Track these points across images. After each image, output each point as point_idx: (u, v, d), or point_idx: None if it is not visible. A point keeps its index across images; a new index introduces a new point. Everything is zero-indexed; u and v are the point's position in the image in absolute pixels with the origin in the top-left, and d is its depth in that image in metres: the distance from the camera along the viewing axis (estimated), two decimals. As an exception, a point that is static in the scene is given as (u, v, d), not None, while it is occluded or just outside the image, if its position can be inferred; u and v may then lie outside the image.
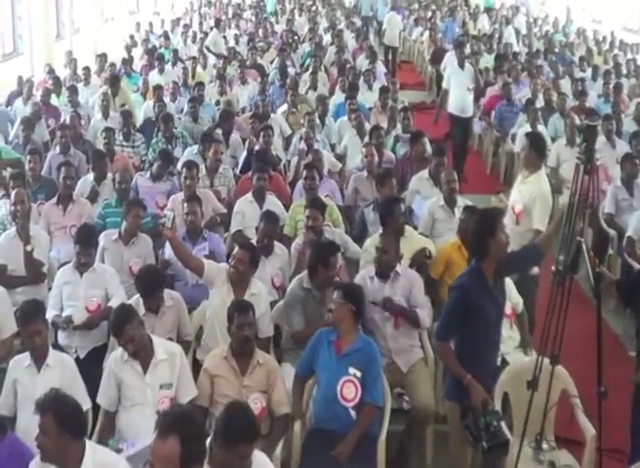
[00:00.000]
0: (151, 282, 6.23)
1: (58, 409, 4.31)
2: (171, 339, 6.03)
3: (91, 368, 5.90)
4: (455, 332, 5.21)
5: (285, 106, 12.63)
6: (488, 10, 26.34)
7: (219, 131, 10.65)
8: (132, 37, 19.80)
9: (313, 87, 13.76)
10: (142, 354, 5.39)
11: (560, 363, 5.52)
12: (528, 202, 7.14)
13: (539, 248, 5.58)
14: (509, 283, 6.37)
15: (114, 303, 6.47)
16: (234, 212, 8.25)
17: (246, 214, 8.13)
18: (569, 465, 5.13)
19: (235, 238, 7.91)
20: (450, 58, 12.44)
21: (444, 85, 12.45)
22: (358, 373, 5.10)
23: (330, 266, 6.34)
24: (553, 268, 5.12)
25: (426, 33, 20.86)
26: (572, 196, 5.03)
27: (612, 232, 8.89)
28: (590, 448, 5.36)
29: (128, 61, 15.84)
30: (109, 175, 8.73)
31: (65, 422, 4.30)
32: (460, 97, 12.06)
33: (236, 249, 6.40)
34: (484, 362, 5.26)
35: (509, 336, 6.44)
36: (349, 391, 5.35)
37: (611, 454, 5.83)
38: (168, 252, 7.08)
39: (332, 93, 13.96)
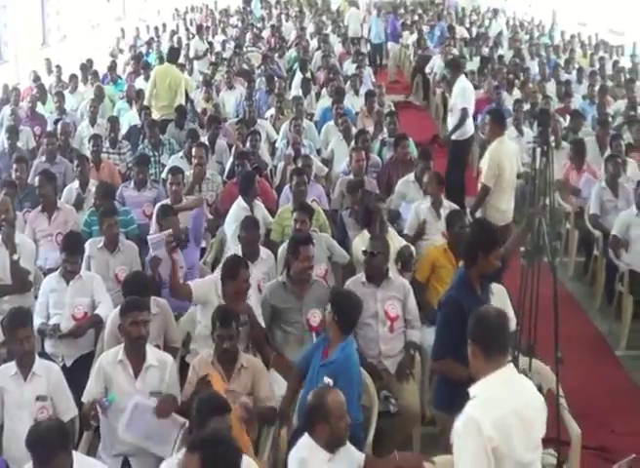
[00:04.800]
0: (138, 288, 6.20)
1: None
2: (158, 346, 6.02)
3: (78, 375, 5.86)
4: (451, 349, 5.08)
5: (272, 111, 12.66)
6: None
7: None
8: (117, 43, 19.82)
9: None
10: (134, 357, 5.40)
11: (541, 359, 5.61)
12: (483, 162, 8.33)
13: (503, 258, 5.60)
14: (505, 297, 6.43)
15: (100, 311, 6.50)
16: (234, 225, 7.82)
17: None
18: (553, 464, 5.12)
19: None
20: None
21: (464, 104, 10.75)
22: (331, 383, 5.10)
23: (300, 257, 6.39)
24: (522, 249, 5.25)
25: (412, 37, 20.91)
26: (532, 178, 5.34)
27: (597, 233, 8.93)
28: (576, 446, 5.37)
29: (113, 68, 15.84)
30: (93, 182, 8.72)
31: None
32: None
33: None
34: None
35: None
36: None
37: (596, 452, 5.89)
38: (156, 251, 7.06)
39: (317, 97, 14.01)
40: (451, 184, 9.49)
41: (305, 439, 4.62)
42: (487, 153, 8.50)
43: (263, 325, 6.32)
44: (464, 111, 10.68)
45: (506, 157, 8.37)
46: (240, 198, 8.16)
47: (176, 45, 19.57)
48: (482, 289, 5.38)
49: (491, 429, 3.72)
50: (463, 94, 10.77)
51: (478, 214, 8.28)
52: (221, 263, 6.60)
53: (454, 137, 10.73)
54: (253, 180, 8.29)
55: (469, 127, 10.84)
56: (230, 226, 7.96)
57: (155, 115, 11.92)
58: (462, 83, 10.98)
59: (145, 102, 12.16)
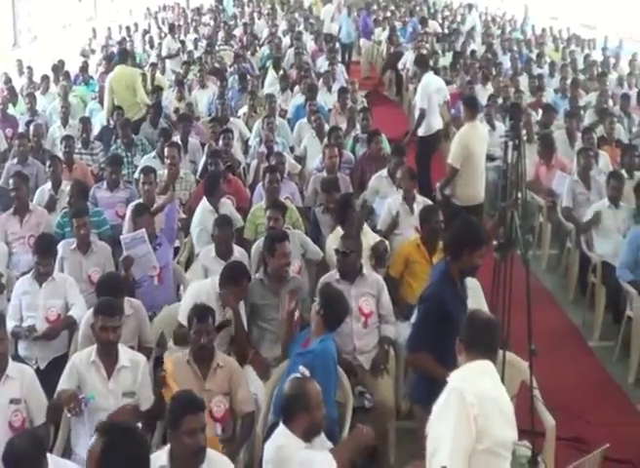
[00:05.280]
0: (112, 290, 6.15)
1: None
2: (132, 348, 6.00)
3: (51, 378, 5.76)
4: (428, 343, 5.14)
5: (245, 108, 12.65)
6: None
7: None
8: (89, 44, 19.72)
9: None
10: (107, 358, 5.39)
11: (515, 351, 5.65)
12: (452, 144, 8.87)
13: None
14: (479, 290, 6.47)
15: (74, 313, 6.47)
16: (198, 229, 7.91)
17: (209, 227, 7.64)
18: (527, 456, 5.15)
19: None
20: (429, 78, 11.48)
21: (422, 104, 10.99)
22: (307, 373, 5.12)
23: (277, 254, 6.41)
24: (495, 243, 5.27)
25: (384, 34, 20.93)
26: (504, 171, 5.43)
27: (569, 225, 9.00)
28: (550, 438, 5.41)
29: (85, 69, 15.76)
30: (66, 183, 8.68)
31: None
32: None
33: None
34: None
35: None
36: None
37: (570, 443, 5.93)
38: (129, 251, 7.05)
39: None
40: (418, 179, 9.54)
41: (282, 428, 4.63)
42: (456, 136, 9.02)
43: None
44: (421, 111, 10.89)
45: (476, 140, 8.81)
46: (205, 199, 8.11)
47: (147, 44, 19.65)
48: (461, 282, 5.39)
49: (473, 397, 3.84)
50: (422, 92, 10.96)
51: (447, 192, 8.85)
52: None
53: (420, 134, 10.82)
54: (218, 181, 8.24)
55: (435, 122, 10.94)
56: (195, 229, 7.96)
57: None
58: (425, 80, 11.14)
59: (106, 114, 12.06)
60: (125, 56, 12.90)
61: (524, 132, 10.44)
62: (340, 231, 7.18)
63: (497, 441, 3.91)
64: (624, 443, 5.92)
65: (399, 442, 5.99)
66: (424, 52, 17.05)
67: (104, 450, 3.66)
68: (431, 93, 10.97)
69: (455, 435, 3.87)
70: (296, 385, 4.70)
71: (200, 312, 5.53)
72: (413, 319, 6.19)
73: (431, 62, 14.94)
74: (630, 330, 7.46)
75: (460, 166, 8.69)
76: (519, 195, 5.38)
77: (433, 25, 22.44)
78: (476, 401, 3.84)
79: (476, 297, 6.36)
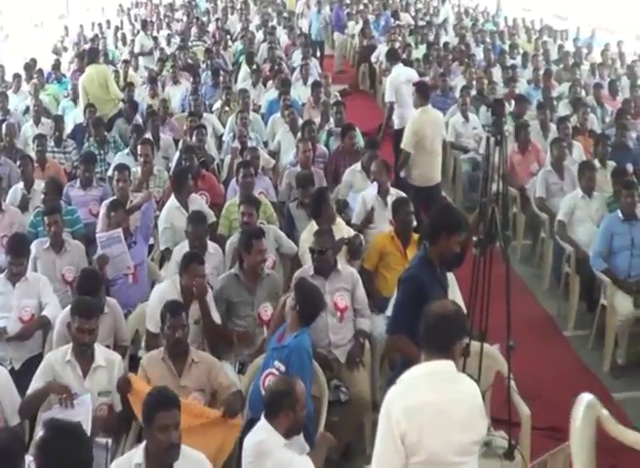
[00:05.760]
0: (91, 286, 6.11)
1: None
2: (108, 346, 5.99)
3: (26, 379, 5.69)
4: (407, 326, 5.06)
5: (219, 103, 12.61)
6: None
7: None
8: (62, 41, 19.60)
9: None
10: (83, 358, 5.38)
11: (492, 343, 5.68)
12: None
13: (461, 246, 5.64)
14: (455, 284, 6.49)
15: (48, 312, 6.44)
16: (163, 226, 7.87)
17: (176, 225, 7.77)
18: (502, 446, 5.18)
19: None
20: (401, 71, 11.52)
21: (389, 98, 11.17)
22: (282, 368, 5.11)
23: (253, 251, 6.40)
24: (475, 239, 5.27)
25: (358, 27, 20.91)
26: (485, 166, 5.38)
27: (543, 216, 9.04)
28: (526, 427, 5.44)
29: (57, 67, 15.66)
30: (39, 182, 8.62)
31: None
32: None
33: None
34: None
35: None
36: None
37: (546, 433, 5.96)
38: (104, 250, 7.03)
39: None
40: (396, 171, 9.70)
41: (264, 423, 4.62)
42: (409, 121, 9.51)
43: (219, 320, 6.30)
44: (389, 105, 11.07)
45: (428, 125, 9.26)
46: (173, 197, 8.08)
47: (120, 41, 19.55)
48: (441, 268, 5.40)
49: (399, 414, 3.70)
50: (390, 85, 11.08)
51: (402, 175, 9.41)
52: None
53: (395, 127, 10.86)
54: (186, 177, 8.18)
55: (408, 114, 10.87)
56: (160, 225, 7.93)
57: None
58: (394, 72, 11.26)
59: (81, 114, 11.96)
60: (94, 54, 12.84)
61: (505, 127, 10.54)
62: (314, 226, 7.15)
63: (433, 452, 3.75)
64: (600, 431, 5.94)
65: (375, 434, 5.97)
66: (397, 45, 17.09)
67: (40, 445, 3.71)
68: (400, 85, 10.97)
69: (379, 455, 3.83)
70: (284, 383, 4.70)
71: (173, 307, 5.55)
72: (388, 311, 6.23)
73: (404, 55, 15.01)
74: (604, 318, 7.51)
75: (414, 149, 9.13)
76: (499, 190, 5.39)
77: (406, 18, 22.41)
78: (403, 417, 3.69)
79: (451, 289, 6.38)
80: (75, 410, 5.07)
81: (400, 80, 11.02)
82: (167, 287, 6.32)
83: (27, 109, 12.59)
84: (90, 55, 12.76)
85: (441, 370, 3.85)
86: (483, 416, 3.97)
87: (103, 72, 12.17)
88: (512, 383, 5.61)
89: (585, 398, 4.09)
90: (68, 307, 5.80)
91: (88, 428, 4.92)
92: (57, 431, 3.81)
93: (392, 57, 11.80)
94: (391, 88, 10.99)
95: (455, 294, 6.49)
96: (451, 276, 6.41)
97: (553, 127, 11.05)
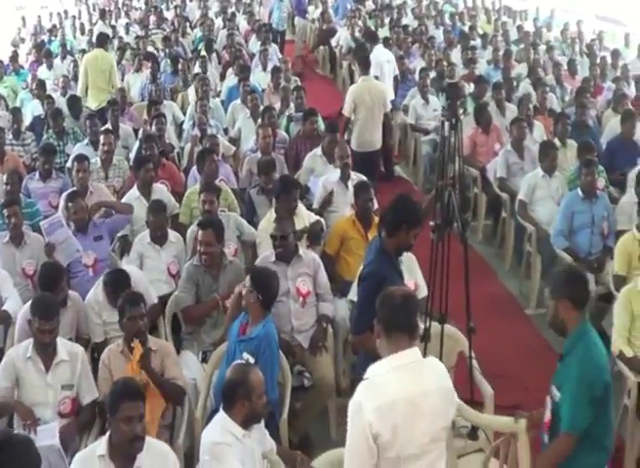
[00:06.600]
0: (53, 280, 6.07)
1: None
2: (70, 340, 5.95)
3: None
4: (371, 323, 5.05)
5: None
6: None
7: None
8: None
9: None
10: (44, 353, 5.34)
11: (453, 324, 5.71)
12: None
13: None
14: (414, 264, 6.50)
15: (8, 307, 6.37)
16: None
17: (134, 216, 7.79)
18: (466, 426, 5.21)
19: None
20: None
21: (375, 72, 11.24)
22: (251, 360, 5.10)
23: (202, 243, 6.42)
24: (432, 223, 5.28)
25: (318, 11, 20.83)
26: (441, 150, 5.42)
27: (504, 195, 9.09)
28: (489, 407, 5.47)
29: (15, 58, 15.48)
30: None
31: None
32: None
33: None
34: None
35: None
36: None
37: (510, 411, 5.99)
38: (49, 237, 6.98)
39: (223, 76, 13.92)
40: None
41: (221, 414, 4.61)
42: (350, 89, 10.35)
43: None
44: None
45: (366, 93, 9.88)
46: (135, 187, 8.08)
47: (78, 31, 19.36)
48: (396, 256, 5.39)
49: (372, 414, 3.61)
50: (374, 62, 11.26)
51: (345, 138, 9.87)
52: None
53: None
54: (144, 165, 8.17)
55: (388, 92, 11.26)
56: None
57: (91, 104, 11.72)
58: (375, 52, 11.71)
59: (79, 93, 11.90)
60: (104, 39, 12.63)
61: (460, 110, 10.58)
62: (272, 215, 7.07)
63: (405, 445, 3.70)
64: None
65: (340, 419, 6.00)
66: (357, 29, 17.09)
67: None
68: (383, 62, 11.58)
69: (351, 454, 3.75)
70: (238, 372, 4.68)
71: (131, 298, 5.53)
72: (351, 295, 6.23)
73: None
74: (566, 296, 7.56)
75: (354, 115, 9.86)
76: (456, 174, 5.40)
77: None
78: (376, 417, 3.60)
79: (411, 271, 6.41)
80: (38, 437, 4.97)
81: (382, 59, 11.58)
82: (93, 296, 6.29)
83: (-16, 102, 12.45)
84: (99, 39, 12.59)
85: (409, 361, 3.77)
86: (453, 401, 3.92)
87: (109, 59, 12.07)
88: (475, 363, 5.66)
89: None
90: (29, 302, 5.74)
91: (57, 445, 4.93)
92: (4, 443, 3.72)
93: (370, 38, 12.54)
94: (376, 64, 11.34)
95: (416, 276, 6.51)
96: (411, 257, 6.43)
97: (512, 107, 11.11)
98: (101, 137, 9.13)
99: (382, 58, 11.70)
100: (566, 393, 4.19)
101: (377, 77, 11.05)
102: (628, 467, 5.73)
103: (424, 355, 5.19)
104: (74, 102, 11.48)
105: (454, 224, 5.34)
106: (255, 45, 16.24)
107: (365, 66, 10.30)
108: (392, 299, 3.88)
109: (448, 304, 5.44)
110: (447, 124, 5.31)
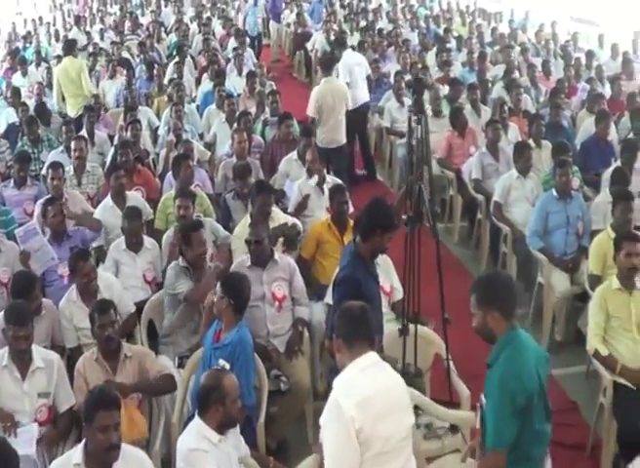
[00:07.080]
0: (26, 289, 6.00)
1: None
2: (46, 348, 5.91)
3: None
4: None
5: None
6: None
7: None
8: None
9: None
10: (20, 360, 5.31)
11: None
12: None
13: None
14: (390, 266, 6.51)
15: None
16: None
17: (110, 223, 7.77)
18: (444, 427, 5.23)
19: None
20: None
21: (345, 78, 11.53)
22: (227, 366, 5.10)
23: (193, 244, 6.39)
24: (404, 217, 5.29)
25: (293, 15, 20.85)
26: (410, 145, 5.54)
27: (479, 197, 9.12)
28: (465, 408, 5.48)
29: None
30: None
31: None
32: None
33: None
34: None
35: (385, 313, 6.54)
36: None
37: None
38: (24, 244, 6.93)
39: (199, 81, 13.89)
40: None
41: (196, 420, 4.60)
42: (313, 90, 10.70)
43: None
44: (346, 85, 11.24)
45: (328, 93, 10.30)
46: (109, 196, 8.05)
47: (53, 37, 19.28)
48: (371, 260, 5.40)
49: (353, 410, 3.70)
50: (343, 67, 11.60)
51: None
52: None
53: (348, 107, 10.93)
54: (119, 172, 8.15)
55: (361, 95, 11.57)
56: None
57: (71, 112, 11.71)
58: (344, 57, 11.92)
59: (56, 106, 11.89)
60: (71, 45, 12.51)
61: (430, 107, 10.64)
62: (247, 220, 7.05)
63: (386, 438, 3.80)
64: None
65: (317, 422, 5.98)
66: (333, 33, 17.12)
67: None
68: (352, 66, 11.69)
69: (334, 456, 3.81)
70: (211, 377, 4.68)
71: (100, 306, 5.52)
72: (327, 298, 6.23)
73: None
74: (542, 296, 7.61)
75: (318, 114, 10.21)
76: (425, 168, 5.44)
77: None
78: (357, 412, 3.70)
79: (387, 273, 6.42)
80: (18, 439, 4.97)
81: (351, 63, 11.72)
82: (67, 303, 6.28)
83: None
84: (66, 46, 12.53)
85: (372, 362, 3.93)
86: (407, 395, 4.10)
87: (78, 65, 12.00)
88: (451, 364, 5.68)
89: None
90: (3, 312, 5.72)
91: (33, 456, 4.91)
92: None
93: (339, 44, 12.99)
94: (344, 69, 11.57)
95: (392, 278, 6.52)
96: (386, 259, 6.44)
97: (487, 108, 11.15)
98: (73, 143, 9.09)
99: (352, 61, 11.84)
100: (489, 406, 4.10)
101: (348, 83, 11.23)
102: (605, 465, 5.76)
103: (403, 352, 5.27)
104: (43, 110, 11.46)
105: (424, 218, 5.38)
106: (230, 50, 16.22)
107: (326, 68, 10.64)
108: (351, 311, 4.05)
109: (423, 303, 5.47)
110: (414, 118, 5.39)
